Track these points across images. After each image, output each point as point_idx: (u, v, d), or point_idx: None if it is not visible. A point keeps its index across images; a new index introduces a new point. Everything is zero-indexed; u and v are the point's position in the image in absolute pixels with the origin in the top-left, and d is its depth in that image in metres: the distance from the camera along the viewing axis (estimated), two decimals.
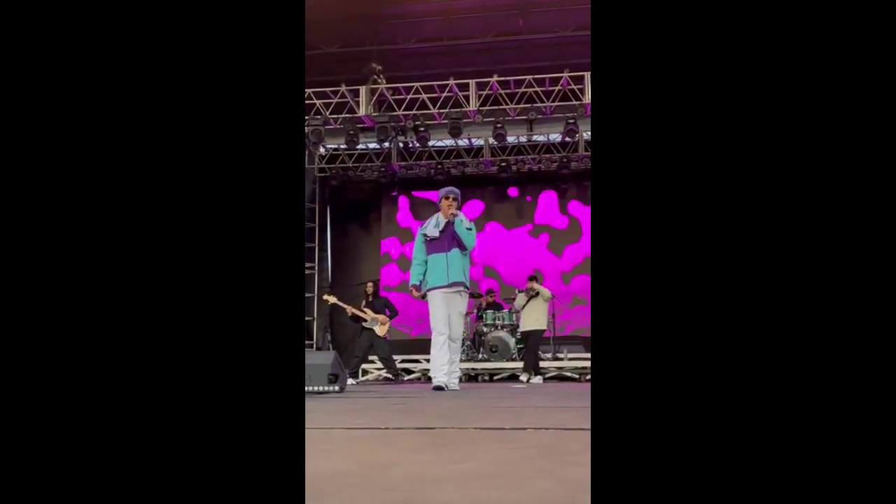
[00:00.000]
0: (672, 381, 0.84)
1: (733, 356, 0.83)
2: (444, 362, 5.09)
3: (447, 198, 5.43)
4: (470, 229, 5.39)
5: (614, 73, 0.90)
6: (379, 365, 8.67)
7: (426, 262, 5.43)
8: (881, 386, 0.79)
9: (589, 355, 9.16)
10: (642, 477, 0.79)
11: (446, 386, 4.99)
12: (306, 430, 0.95)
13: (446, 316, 5.21)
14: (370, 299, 8.04)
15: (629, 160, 0.89)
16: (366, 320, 7.82)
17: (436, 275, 5.34)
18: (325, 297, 8.32)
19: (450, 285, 5.25)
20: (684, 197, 0.87)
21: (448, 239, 5.35)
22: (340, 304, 7.97)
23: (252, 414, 0.83)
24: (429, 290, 5.35)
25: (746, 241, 0.85)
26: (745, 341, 0.84)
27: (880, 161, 0.83)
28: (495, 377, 8.92)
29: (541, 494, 0.90)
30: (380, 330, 7.81)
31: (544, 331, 8.02)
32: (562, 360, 8.99)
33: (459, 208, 5.51)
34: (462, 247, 5.36)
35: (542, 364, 8.83)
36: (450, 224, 5.37)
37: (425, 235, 5.49)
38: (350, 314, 7.92)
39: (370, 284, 8.29)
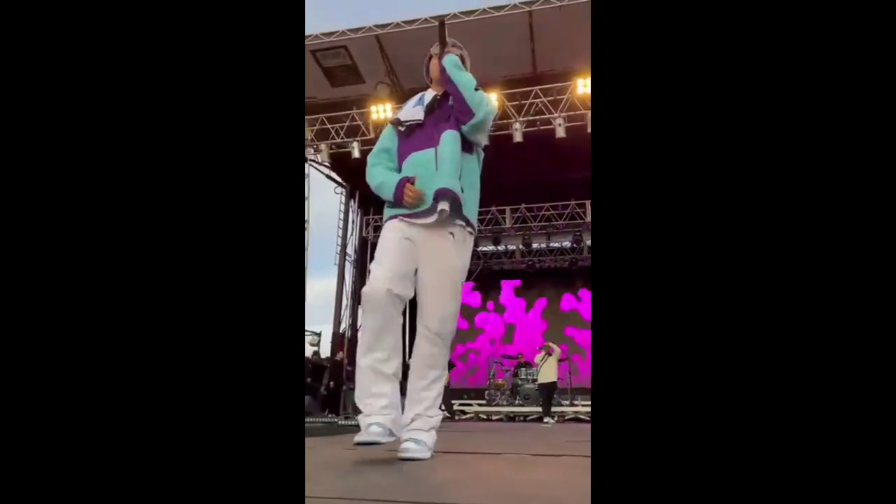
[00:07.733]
0: (669, 402, 0.69)
1: (733, 382, 0.68)
2: (375, 391, 1.76)
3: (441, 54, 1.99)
4: (478, 90, 1.89)
5: (614, 80, 0.77)
6: None
7: (393, 170, 2.01)
8: (880, 398, 0.65)
9: None
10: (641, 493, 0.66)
11: (392, 433, 1.72)
12: None
13: (409, 268, 1.85)
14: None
15: (629, 174, 0.75)
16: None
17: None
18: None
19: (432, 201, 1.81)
20: (684, 212, 0.72)
21: (438, 122, 1.95)
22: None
23: (257, 409, 0.74)
24: (387, 220, 1.95)
25: (745, 260, 0.70)
26: (745, 366, 0.68)
27: (881, 165, 0.67)
28: (528, 418, 9.89)
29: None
30: None
31: (556, 382, 8.64)
32: (577, 406, 10.12)
33: None
34: (466, 114, 1.87)
35: (561, 409, 9.90)
36: (445, 97, 1.99)
37: (398, 124, 2.03)
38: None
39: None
